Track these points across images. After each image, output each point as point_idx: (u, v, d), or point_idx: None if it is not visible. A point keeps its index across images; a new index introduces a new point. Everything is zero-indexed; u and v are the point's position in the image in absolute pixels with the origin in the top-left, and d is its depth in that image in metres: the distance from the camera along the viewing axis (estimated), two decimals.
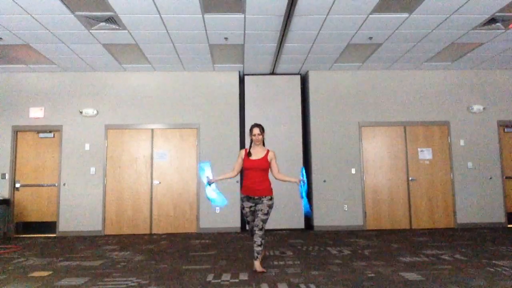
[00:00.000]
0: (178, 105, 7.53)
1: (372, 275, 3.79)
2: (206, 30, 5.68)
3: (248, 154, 4.20)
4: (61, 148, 7.32)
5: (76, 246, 5.92)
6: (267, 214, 4.05)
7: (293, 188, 7.39)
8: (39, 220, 7.25)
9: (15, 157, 7.33)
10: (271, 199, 4.11)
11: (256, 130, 4.18)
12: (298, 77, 7.77)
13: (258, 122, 7.17)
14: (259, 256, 4.05)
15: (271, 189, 4.16)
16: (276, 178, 4.21)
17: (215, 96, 7.56)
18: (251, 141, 4.24)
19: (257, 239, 4.01)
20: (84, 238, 6.74)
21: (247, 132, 6.53)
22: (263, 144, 4.28)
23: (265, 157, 4.14)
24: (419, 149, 7.51)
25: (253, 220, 4.16)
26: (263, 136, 4.20)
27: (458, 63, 7.31)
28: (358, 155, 7.46)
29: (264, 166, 4.11)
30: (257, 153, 4.18)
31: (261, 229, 4.00)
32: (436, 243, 5.61)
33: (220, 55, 6.77)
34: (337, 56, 6.85)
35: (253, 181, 4.08)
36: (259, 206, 4.07)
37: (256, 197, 4.10)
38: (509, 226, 7.38)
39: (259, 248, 4.02)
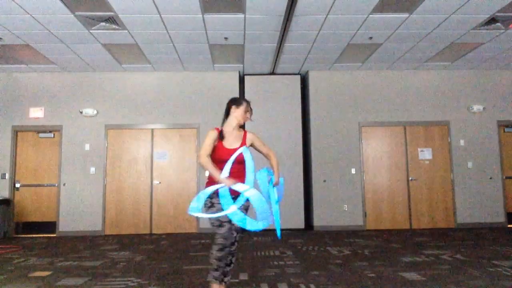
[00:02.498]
0: (178, 105, 7.53)
1: (372, 275, 3.79)
2: (206, 30, 5.68)
3: (220, 137, 2.92)
4: (61, 148, 7.32)
5: (76, 246, 5.92)
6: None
7: (293, 188, 7.39)
8: (39, 220, 7.24)
9: (15, 157, 7.32)
10: (247, 199, 2.76)
11: (248, 107, 3.05)
12: (298, 77, 7.77)
13: (259, 122, 7.23)
14: (216, 279, 2.77)
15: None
16: (273, 160, 3.04)
17: (215, 96, 7.56)
18: (225, 117, 3.05)
19: (213, 257, 2.76)
20: (84, 238, 6.74)
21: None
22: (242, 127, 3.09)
23: (243, 144, 2.96)
24: (419, 149, 7.51)
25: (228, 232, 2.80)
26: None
27: (458, 63, 7.31)
28: (358, 155, 7.46)
29: (242, 158, 2.82)
30: (234, 140, 2.96)
31: (233, 243, 2.79)
32: (436, 243, 5.61)
33: (220, 55, 6.77)
34: (337, 56, 6.85)
35: (233, 176, 2.75)
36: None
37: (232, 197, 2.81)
38: (509, 226, 7.37)
39: (215, 272, 2.76)
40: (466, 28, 5.69)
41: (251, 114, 3.09)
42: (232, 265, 2.85)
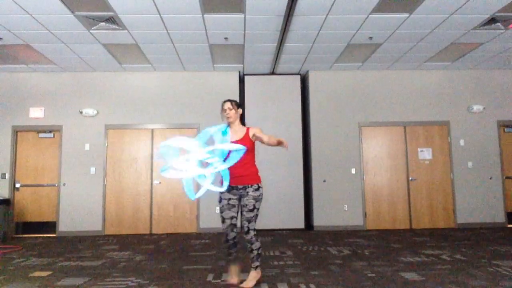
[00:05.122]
0: (178, 105, 7.53)
1: (372, 275, 3.79)
2: (206, 30, 5.68)
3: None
4: (61, 148, 7.32)
5: (76, 246, 5.92)
6: (253, 210, 3.32)
7: (293, 188, 7.40)
8: (39, 220, 7.24)
9: (15, 157, 7.32)
10: (258, 188, 3.36)
11: (227, 105, 3.48)
12: (298, 77, 7.77)
13: (258, 122, 7.24)
14: (256, 264, 3.46)
15: (259, 176, 3.44)
16: (270, 145, 3.28)
17: (215, 96, 7.56)
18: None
19: (249, 245, 3.42)
20: (84, 238, 6.74)
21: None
22: (243, 124, 3.60)
23: (246, 136, 3.42)
24: (419, 149, 7.51)
25: (229, 218, 3.38)
26: (236, 111, 3.49)
27: (458, 63, 7.31)
28: (358, 155, 7.46)
29: (246, 146, 3.24)
30: (236, 133, 3.47)
31: (247, 232, 3.34)
32: (436, 243, 5.61)
33: (220, 55, 6.77)
34: (337, 56, 6.85)
35: (235, 166, 3.18)
36: (243, 201, 3.36)
37: (240, 187, 3.37)
38: (509, 226, 7.37)
39: (253, 254, 3.42)
40: (466, 28, 5.69)
41: (231, 109, 3.49)
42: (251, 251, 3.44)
